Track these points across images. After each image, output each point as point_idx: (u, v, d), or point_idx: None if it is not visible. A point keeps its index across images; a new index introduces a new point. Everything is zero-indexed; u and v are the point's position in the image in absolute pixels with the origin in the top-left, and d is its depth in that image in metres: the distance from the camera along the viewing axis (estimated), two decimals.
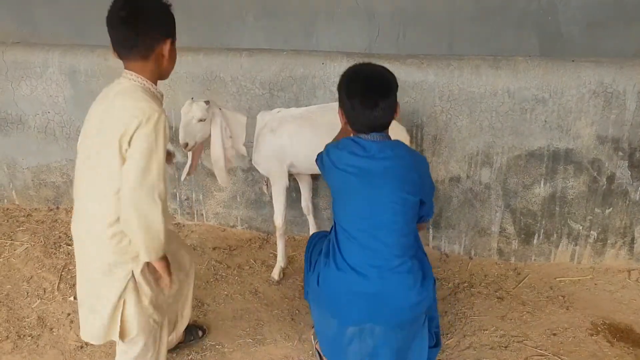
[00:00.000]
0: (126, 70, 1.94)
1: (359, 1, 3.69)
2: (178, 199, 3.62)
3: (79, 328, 2.16)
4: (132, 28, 1.84)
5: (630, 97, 2.88)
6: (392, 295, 2.04)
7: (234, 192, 3.52)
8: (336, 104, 2.95)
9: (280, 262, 3.14)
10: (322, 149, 2.83)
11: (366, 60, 3.02)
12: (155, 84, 1.98)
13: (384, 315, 2.07)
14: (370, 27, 3.76)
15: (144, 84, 1.93)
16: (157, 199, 1.82)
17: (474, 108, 3.00)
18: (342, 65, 3.11)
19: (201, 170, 3.48)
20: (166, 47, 1.91)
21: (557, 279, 3.14)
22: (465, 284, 3.11)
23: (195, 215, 3.65)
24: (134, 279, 1.99)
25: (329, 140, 2.79)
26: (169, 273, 2.04)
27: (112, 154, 1.82)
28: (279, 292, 3.04)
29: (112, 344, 2.64)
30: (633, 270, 3.17)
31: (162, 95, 2.02)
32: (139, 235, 1.85)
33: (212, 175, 3.49)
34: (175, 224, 3.65)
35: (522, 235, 3.23)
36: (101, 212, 1.90)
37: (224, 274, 3.20)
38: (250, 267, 3.26)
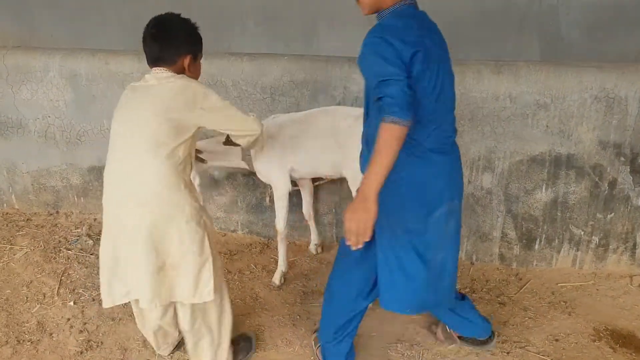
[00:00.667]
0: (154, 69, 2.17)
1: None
2: None
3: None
4: (157, 43, 2.14)
5: (632, 103, 2.87)
6: (459, 166, 2.16)
7: (234, 196, 3.51)
8: (335, 107, 2.95)
9: (281, 267, 3.13)
10: (322, 154, 2.82)
11: None
12: None
13: (460, 187, 2.19)
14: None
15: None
16: None
17: (475, 113, 2.99)
18: (343, 70, 3.11)
19: (203, 174, 3.46)
20: (186, 61, 2.17)
21: (559, 285, 3.12)
22: (467, 290, 3.09)
23: None
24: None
25: (330, 143, 2.79)
26: None
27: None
28: (280, 298, 3.03)
29: (112, 349, 2.63)
30: (635, 275, 3.16)
31: None
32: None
33: (212, 179, 3.48)
34: None
35: (524, 241, 3.22)
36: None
37: (224, 279, 3.18)
38: (250, 272, 3.25)
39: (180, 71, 2.17)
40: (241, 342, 2.64)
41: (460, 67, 2.99)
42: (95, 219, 3.71)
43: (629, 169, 3.00)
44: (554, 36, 3.63)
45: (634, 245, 3.14)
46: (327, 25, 3.78)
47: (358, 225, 1.86)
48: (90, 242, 3.48)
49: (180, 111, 2.08)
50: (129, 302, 2.69)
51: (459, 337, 2.65)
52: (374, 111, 1.98)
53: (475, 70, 2.96)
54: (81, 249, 3.43)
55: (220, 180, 3.48)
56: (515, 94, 2.93)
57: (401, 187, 2.03)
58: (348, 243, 1.92)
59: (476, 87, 2.96)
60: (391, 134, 1.81)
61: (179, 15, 2.19)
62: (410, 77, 1.85)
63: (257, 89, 3.23)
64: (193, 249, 2.14)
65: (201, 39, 2.24)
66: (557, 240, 3.19)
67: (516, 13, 3.56)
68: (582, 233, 3.16)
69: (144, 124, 2.07)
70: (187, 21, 2.19)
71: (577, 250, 3.21)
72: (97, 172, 3.63)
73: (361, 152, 2.17)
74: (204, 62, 2.76)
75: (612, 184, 3.04)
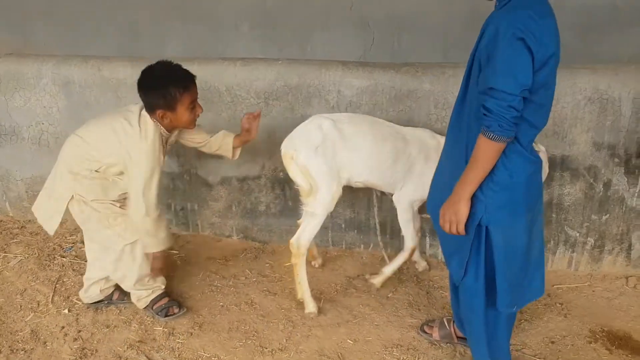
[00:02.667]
0: None
1: (353, 10, 3.70)
2: (173, 209, 3.59)
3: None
4: (139, 91, 2.57)
5: (626, 104, 2.88)
6: None
7: (229, 201, 3.50)
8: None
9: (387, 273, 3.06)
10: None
11: (360, 67, 3.02)
12: (167, 130, 2.65)
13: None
14: (364, 36, 3.76)
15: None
16: None
17: None
18: (337, 74, 3.10)
19: (196, 180, 3.46)
20: (157, 115, 2.54)
21: (555, 286, 3.12)
22: None
23: (191, 226, 3.62)
24: None
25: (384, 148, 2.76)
26: None
27: None
28: (275, 303, 3.01)
29: (106, 357, 2.62)
30: (630, 276, 3.16)
31: (168, 135, 2.68)
32: None
33: (207, 184, 3.47)
34: (171, 234, 3.62)
35: None
36: None
37: (219, 284, 3.17)
38: (246, 277, 3.23)
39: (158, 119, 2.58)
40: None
41: (455, 70, 3.00)
42: None
43: (623, 170, 3.00)
44: None
45: (629, 246, 3.14)
46: (321, 29, 3.78)
47: (450, 228, 2.05)
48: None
49: None
50: (123, 309, 2.70)
51: (459, 337, 2.64)
52: (475, 109, 1.97)
53: None
54: (76, 256, 3.42)
55: (215, 185, 3.47)
56: None
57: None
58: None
59: None
60: (491, 148, 1.88)
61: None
62: (534, 83, 1.82)
63: (250, 94, 3.23)
64: None
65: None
66: (552, 242, 3.19)
67: None
68: (578, 234, 3.16)
69: None
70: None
71: (573, 251, 3.20)
72: None
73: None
74: (197, 67, 2.77)
75: (607, 185, 3.04)
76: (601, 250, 3.17)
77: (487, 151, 1.89)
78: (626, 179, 3.01)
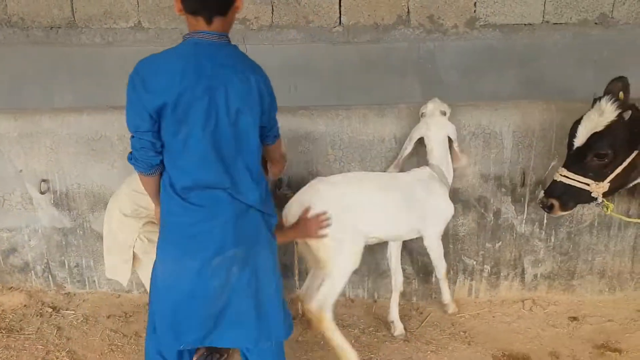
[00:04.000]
0: None
1: (248, 54, 3.74)
2: (67, 266, 3.38)
3: None
4: None
5: (507, 137, 3.07)
6: None
7: None
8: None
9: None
10: None
11: None
12: None
13: None
14: None
15: None
16: None
17: (364, 155, 3.07)
18: None
19: (90, 234, 3.29)
20: None
21: (458, 315, 3.21)
22: (371, 329, 3.11)
23: (87, 283, 3.42)
24: None
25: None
26: None
27: None
28: None
29: None
30: (526, 299, 3.32)
31: None
32: None
33: (102, 238, 3.30)
34: (65, 293, 3.41)
35: (421, 275, 3.30)
36: None
37: (119, 343, 3.00)
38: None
39: None
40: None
41: (346, 112, 3.08)
42: None
43: (510, 199, 3.18)
44: (434, 78, 3.85)
45: (523, 270, 3.31)
46: None
47: None
48: None
49: None
50: None
51: None
52: None
53: (361, 114, 3.06)
54: None
55: None
56: (399, 135, 3.04)
57: None
58: None
59: (363, 130, 3.05)
60: (142, 179, 2.23)
61: None
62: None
63: None
64: None
65: None
66: (452, 272, 3.29)
67: (397, 59, 3.75)
68: (475, 263, 3.29)
69: None
70: None
71: (472, 279, 3.33)
72: None
73: None
74: (85, 117, 2.67)
75: (497, 214, 3.20)
76: (497, 277, 3.32)
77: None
78: (513, 207, 3.19)
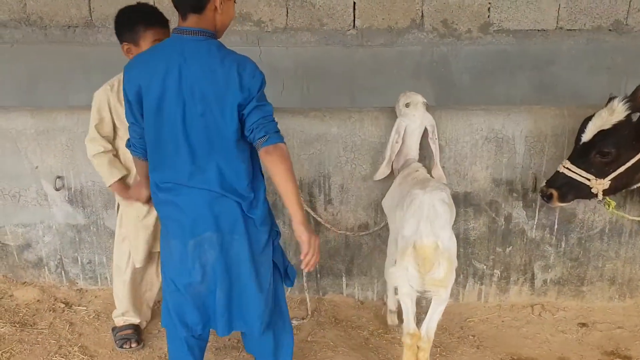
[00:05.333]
0: None
1: (262, 57, 3.78)
2: (80, 262, 3.42)
3: None
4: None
5: (519, 142, 3.07)
6: None
7: None
8: None
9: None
10: None
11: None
12: None
13: None
14: (275, 82, 3.83)
15: None
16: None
17: (376, 157, 3.08)
18: None
19: (103, 231, 3.33)
20: (123, 48, 2.65)
21: (467, 319, 3.21)
22: (380, 331, 3.12)
23: (99, 279, 3.46)
24: None
25: None
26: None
27: None
28: None
29: None
30: (535, 305, 3.31)
31: None
32: None
33: (114, 235, 3.34)
34: (78, 289, 3.45)
35: None
36: None
37: None
38: (159, 330, 3.10)
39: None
40: None
41: (358, 114, 3.10)
42: None
43: (521, 204, 3.18)
44: (447, 82, 3.86)
45: (532, 275, 3.31)
46: None
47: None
48: None
49: None
50: None
51: None
52: None
53: (373, 116, 3.07)
54: None
55: None
56: None
57: None
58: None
59: (375, 133, 3.06)
60: None
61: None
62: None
63: None
64: None
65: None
66: (462, 276, 3.29)
67: (410, 62, 3.76)
68: (485, 267, 3.29)
69: None
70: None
71: (482, 284, 3.33)
72: None
73: None
74: None
75: (508, 218, 3.21)
76: (507, 281, 3.32)
77: None
78: (525, 212, 3.19)
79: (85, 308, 3.29)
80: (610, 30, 4.14)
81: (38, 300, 3.33)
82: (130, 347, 2.94)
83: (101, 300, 3.38)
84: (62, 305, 3.30)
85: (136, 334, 2.99)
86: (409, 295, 2.50)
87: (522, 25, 4.11)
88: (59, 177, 3.22)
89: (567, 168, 2.61)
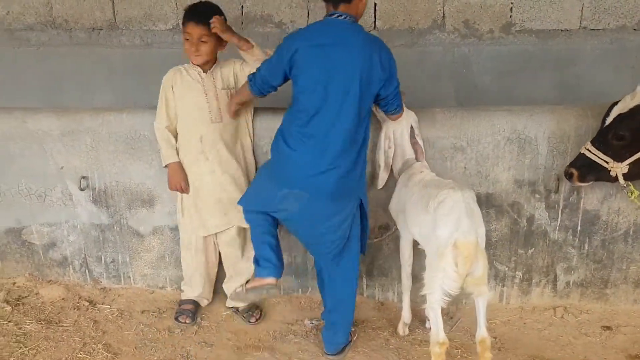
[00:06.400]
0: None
1: None
2: (103, 261, 3.47)
3: None
4: None
5: (542, 143, 3.05)
6: None
7: (162, 251, 3.42)
8: None
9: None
10: None
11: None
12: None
13: None
14: None
15: None
16: None
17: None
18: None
19: (127, 231, 3.38)
20: None
21: (489, 321, 3.18)
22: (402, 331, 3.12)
23: (122, 278, 3.51)
24: None
25: None
26: None
27: None
28: (213, 354, 2.94)
29: None
30: (558, 307, 3.28)
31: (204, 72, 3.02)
32: None
33: (138, 235, 3.39)
34: (101, 288, 3.50)
35: None
36: None
37: (153, 338, 3.07)
38: (181, 330, 3.14)
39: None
40: None
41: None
42: (14, 283, 3.51)
43: (544, 206, 3.15)
44: (468, 83, 3.84)
45: (555, 277, 3.28)
46: None
47: None
48: (9, 308, 3.28)
49: None
50: None
51: None
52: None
53: None
54: None
55: (146, 235, 3.39)
56: (433, 138, 3.04)
57: None
58: None
59: None
60: None
61: None
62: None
63: None
64: None
65: None
66: None
67: (431, 63, 3.75)
68: (507, 269, 3.27)
69: None
70: None
71: (503, 286, 3.31)
72: (14, 234, 3.45)
73: None
74: (125, 117, 2.72)
75: (530, 220, 3.18)
76: (529, 283, 3.29)
77: None
78: (547, 214, 3.16)
79: (108, 306, 3.34)
80: (635, 29, 4.08)
81: (63, 299, 3.39)
82: (185, 322, 3.13)
83: (124, 299, 3.42)
84: (86, 304, 3.35)
85: (193, 311, 3.19)
86: (440, 302, 2.45)
87: (545, 25, 4.07)
88: (83, 177, 3.27)
89: (588, 149, 2.69)
